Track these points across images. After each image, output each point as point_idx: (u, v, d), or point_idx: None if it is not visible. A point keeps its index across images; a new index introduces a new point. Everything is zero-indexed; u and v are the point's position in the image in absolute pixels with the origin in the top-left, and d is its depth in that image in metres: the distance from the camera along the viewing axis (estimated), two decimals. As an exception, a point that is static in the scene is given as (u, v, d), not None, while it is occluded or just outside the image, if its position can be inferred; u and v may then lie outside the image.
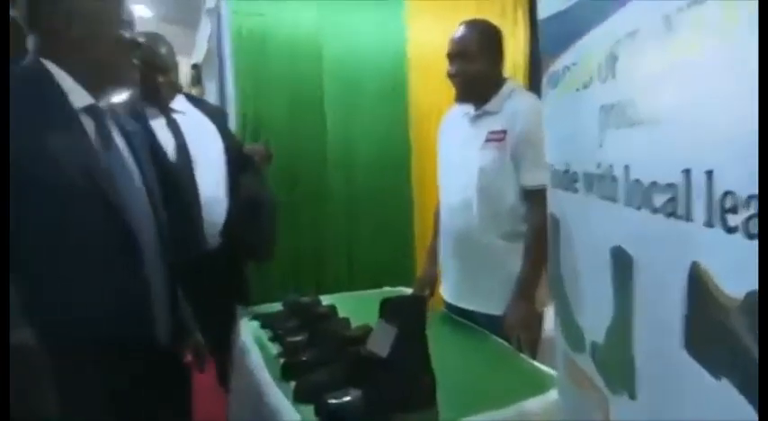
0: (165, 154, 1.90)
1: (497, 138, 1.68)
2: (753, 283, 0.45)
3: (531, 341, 1.56)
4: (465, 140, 1.76)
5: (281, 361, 1.41)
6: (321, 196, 2.89)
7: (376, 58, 2.91)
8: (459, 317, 1.78)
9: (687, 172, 0.54)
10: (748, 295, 0.46)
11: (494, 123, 1.70)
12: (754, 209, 0.45)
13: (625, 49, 0.68)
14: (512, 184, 1.65)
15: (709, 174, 0.50)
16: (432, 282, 1.95)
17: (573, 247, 0.93)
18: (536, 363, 1.40)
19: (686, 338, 0.56)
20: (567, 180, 0.93)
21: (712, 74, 0.52)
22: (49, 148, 1.08)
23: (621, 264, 0.72)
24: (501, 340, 1.58)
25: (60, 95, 1.14)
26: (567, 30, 0.91)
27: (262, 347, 1.57)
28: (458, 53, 1.72)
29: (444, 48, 1.75)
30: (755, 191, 0.45)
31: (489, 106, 1.73)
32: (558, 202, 1.00)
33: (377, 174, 2.94)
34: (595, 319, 0.83)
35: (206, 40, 3.20)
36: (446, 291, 1.88)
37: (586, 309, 0.88)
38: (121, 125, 1.29)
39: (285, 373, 1.35)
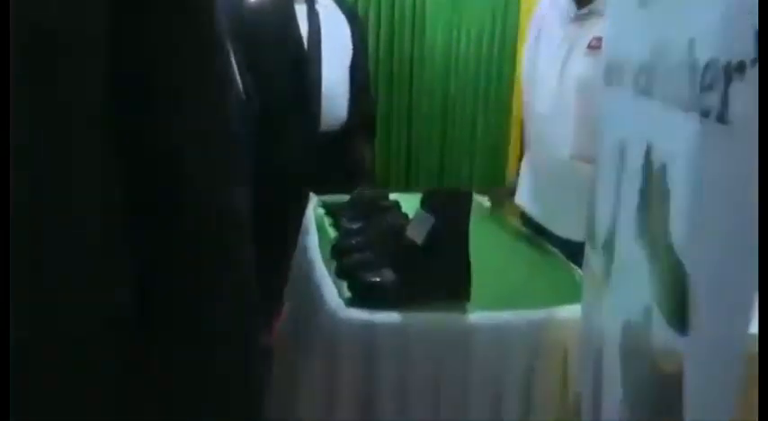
0: (299, 37, 2.28)
1: (599, 45, 1.52)
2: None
3: None
4: (563, 43, 1.66)
5: (332, 244, 1.56)
6: (420, 94, 3.11)
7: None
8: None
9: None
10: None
11: (599, 27, 1.53)
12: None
13: None
14: None
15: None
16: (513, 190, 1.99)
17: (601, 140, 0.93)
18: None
19: (636, 229, 0.58)
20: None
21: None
22: None
23: (621, 153, 0.74)
24: (554, 250, 1.62)
25: None
26: None
27: (322, 231, 1.75)
28: None
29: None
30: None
31: (597, 5, 1.58)
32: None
33: (477, 74, 3.12)
34: (605, 213, 0.85)
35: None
36: (523, 197, 1.91)
37: (601, 201, 0.90)
38: None
39: (333, 253, 1.50)
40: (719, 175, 0.47)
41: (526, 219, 1.89)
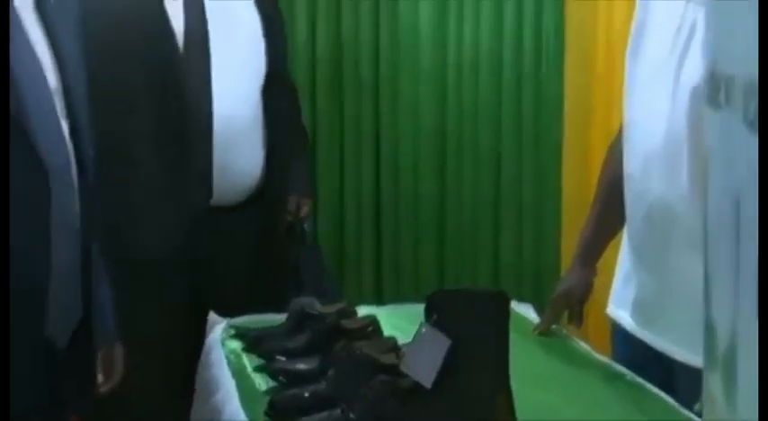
0: (169, 35, 2.63)
1: None
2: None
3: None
4: (673, 47, 2.03)
5: (269, 399, 1.81)
6: (393, 133, 3.69)
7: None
8: (643, 356, 2.14)
9: None
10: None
11: None
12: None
13: None
14: None
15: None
16: (584, 290, 2.41)
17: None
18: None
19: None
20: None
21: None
22: None
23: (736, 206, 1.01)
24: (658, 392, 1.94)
25: None
26: None
27: (241, 379, 2.02)
28: None
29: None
30: None
31: None
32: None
33: (497, 84, 3.74)
34: (724, 303, 1.11)
35: None
36: (624, 306, 2.27)
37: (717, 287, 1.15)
38: None
39: (271, 415, 1.75)
40: None
41: (627, 340, 2.24)
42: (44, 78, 1.82)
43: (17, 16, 1.76)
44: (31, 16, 1.81)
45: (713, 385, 1.19)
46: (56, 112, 1.84)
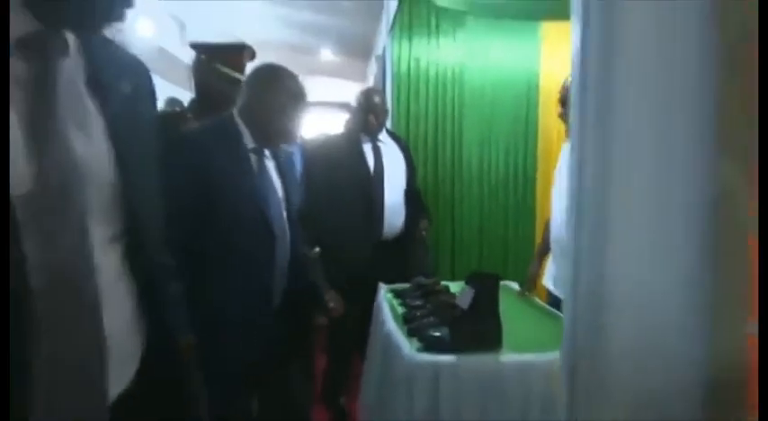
0: (367, 169, 2.88)
1: None
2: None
3: None
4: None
5: (403, 317, 2.12)
6: (460, 201, 3.82)
7: (511, 88, 3.70)
8: (558, 302, 2.29)
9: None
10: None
11: None
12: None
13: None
14: None
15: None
16: (533, 278, 2.62)
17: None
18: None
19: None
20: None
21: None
22: (230, 172, 1.76)
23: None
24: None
25: (239, 138, 1.84)
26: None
27: (392, 308, 2.29)
28: (567, 99, 2.18)
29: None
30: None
31: None
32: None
33: (507, 188, 3.82)
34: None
35: (373, 80, 4.09)
36: (550, 281, 2.47)
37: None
38: (276, 157, 1.95)
39: (404, 321, 2.06)
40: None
41: (551, 295, 2.43)
42: (277, 193, 1.87)
43: (267, 166, 1.86)
44: (273, 168, 1.90)
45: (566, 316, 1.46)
46: (281, 209, 1.88)
